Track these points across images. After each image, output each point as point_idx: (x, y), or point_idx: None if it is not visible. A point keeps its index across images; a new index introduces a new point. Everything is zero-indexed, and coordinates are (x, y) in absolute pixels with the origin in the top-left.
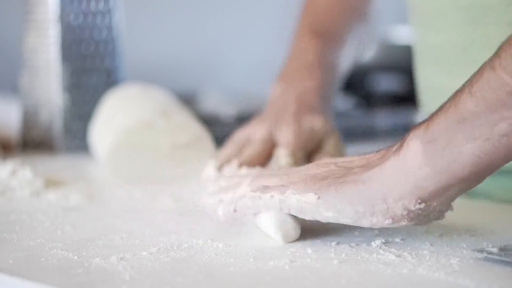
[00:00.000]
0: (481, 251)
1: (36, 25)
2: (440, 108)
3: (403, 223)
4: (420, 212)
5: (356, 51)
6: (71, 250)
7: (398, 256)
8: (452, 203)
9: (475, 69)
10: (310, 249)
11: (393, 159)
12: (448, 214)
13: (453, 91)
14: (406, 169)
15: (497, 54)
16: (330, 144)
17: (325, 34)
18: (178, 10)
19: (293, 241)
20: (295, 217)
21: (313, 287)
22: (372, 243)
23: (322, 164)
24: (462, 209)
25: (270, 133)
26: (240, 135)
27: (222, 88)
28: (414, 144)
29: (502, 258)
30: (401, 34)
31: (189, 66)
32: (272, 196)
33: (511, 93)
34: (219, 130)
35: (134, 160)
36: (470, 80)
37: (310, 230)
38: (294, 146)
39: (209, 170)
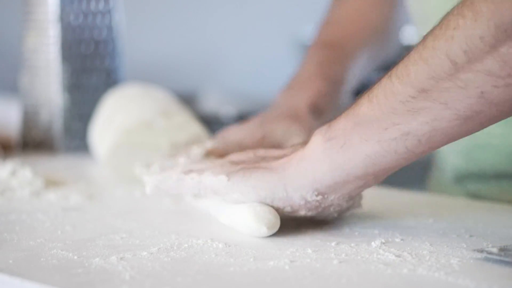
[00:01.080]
0: (481, 251)
1: (36, 25)
2: (344, 110)
3: (302, 212)
4: (317, 203)
5: (369, 66)
6: (71, 250)
7: (398, 256)
8: (453, 204)
9: None
10: (310, 249)
11: (299, 152)
12: (448, 214)
13: None
14: (307, 162)
15: (395, 63)
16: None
17: (334, 46)
18: (178, 10)
19: (292, 239)
20: (270, 206)
21: (313, 287)
22: (372, 243)
23: (244, 153)
24: (462, 209)
25: (245, 137)
26: (220, 135)
27: (222, 88)
28: (316, 140)
29: (502, 258)
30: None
31: (189, 66)
32: (192, 178)
33: (402, 102)
34: (219, 130)
35: (134, 160)
36: (372, 86)
37: (310, 230)
38: (233, 144)
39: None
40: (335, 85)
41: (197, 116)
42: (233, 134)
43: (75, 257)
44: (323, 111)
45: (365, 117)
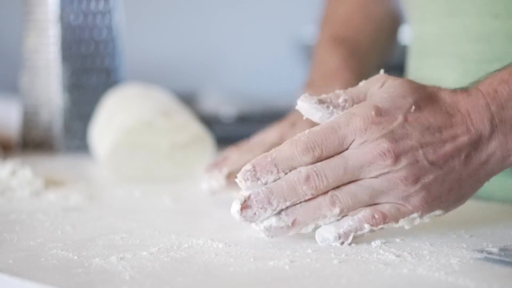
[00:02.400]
0: (481, 251)
1: (36, 25)
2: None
3: None
4: None
5: (382, 58)
6: (71, 250)
7: (398, 256)
8: None
9: (457, 61)
10: (310, 249)
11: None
12: (448, 214)
13: (437, 82)
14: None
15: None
16: None
17: (349, 42)
18: (178, 10)
19: (292, 239)
20: None
21: (313, 287)
22: (372, 243)
23: (411, 163)
24: (462, 209)
25: (281, 137)
26: (254, 139)
27: (222, 88)
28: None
29: (502, 258)
30: (401, 34)
31: (189, 66)
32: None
33: None
34: (219, 130)
35: (134, 160)
36: None
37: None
38: None
39: (214, 181)
40: (359, 80)
41: (197, 116)
42: (269, 136)
43: (75, 257)
44: None
45: None
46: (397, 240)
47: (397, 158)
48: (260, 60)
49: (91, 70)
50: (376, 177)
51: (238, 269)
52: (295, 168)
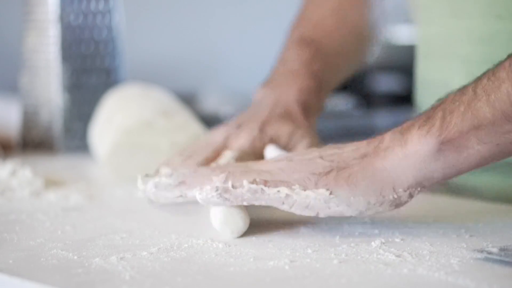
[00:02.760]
0: (481, 251)
1: (36, 25)
2: (452, 111)
3: (398, 207)
4: (409, 200)
5: (354, 63)
6: (71, 250)
7: (398, 256)
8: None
9: (460, 63)
10: (310, 249)
11: (401, 151)
12: (448, 214)
13: (443, 84)
14: (418, 162)
15: None
16: (300, 149)
17: (316, 44)
18: (178, 10)
19: (292, 239)
20: (243, 209)
21: (313, 287)
22: (372, 243)
23: (308, 151)
24: (462, 209)
25: (226, 138)
26: (200, 141)
27: (222, 88)
28: (429, 141)
29: (502, 258)
30: (402, 34)
31: (189, 66)
32: (278, 191)
33: None
34: None
35: (134, 160)
36: (484, 87)
37: (310, 230)
38: (244, 153)
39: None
40: (320, 83)
41: (197, 116)
42: (214, 138)
43: (75, 257)
44: (311, 109)
45: (486, 121)
46: (397, 240)
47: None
48: (260, 60)
49: (91, 70)
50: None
51: (238, 269)
52: None
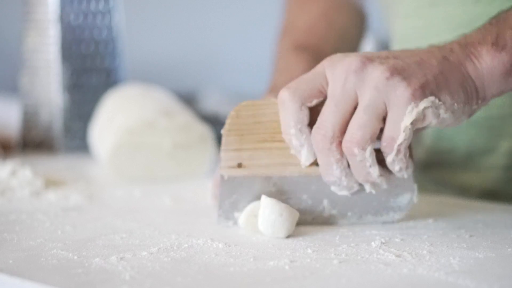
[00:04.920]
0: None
1: (36, 25)
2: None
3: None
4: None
5: None
6: (71, 250)
7: (398, 256)
8: (452, 204)
9: None
10: (310, 249)
11: (473, 66)
12: (447, 214)
13: None
14: (491, 78)
15: None
16: None
17: (311, 49)
18: (178, 10)
19: (292, 239)
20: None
21: (313, 287)
22: (372, 243)
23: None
24: (462, 209)
25: None
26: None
27: (222, 88)
28: (504, 59)
29: None
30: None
31: (189, 66)
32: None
33: None
34: (219, 130)
35: (136, 160)
36: None
37: (310, 230)
38: None
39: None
40: None
41: (197, 116)
42: None
43: (75, 257)
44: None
45: None
46: (397, 240)
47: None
48: (260, 60)
49: (91, 70)
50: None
51: (238, 269)
52: None
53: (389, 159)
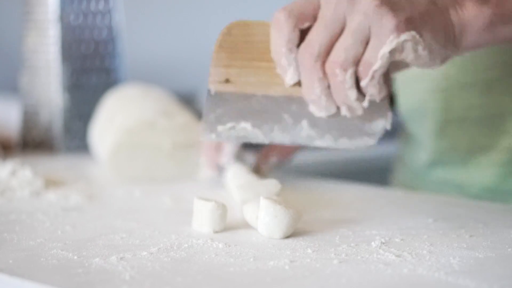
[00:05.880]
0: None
1: (36, 25)
2: None
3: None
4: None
5: None
6: (71, 250)
7: (398, 256)
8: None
9: (455, 86)
10: (310, 249)
11: (456, 15)
12: (448, 214)
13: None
14: (473, 29)
15: None
16: None
17: None
18: (178, 10)
19: (292, 239)
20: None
21: (313, 287)
22: (372, 243)
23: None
24: (462, 209)
25: None
26: None
27: None
28: (485, 13)
29: None
30: None
31: (189, 66)
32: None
33: None
34: None
35: (136, 160)
36: None
37: (310, 230)
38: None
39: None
40: None
41: (197, 116)
42: None
43: (75, 257)
44: None
45: None
46: (397, 240)
47: None
48: None
49: (91, 70)
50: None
51: (238, 269)
52: None
53: (363, 83)
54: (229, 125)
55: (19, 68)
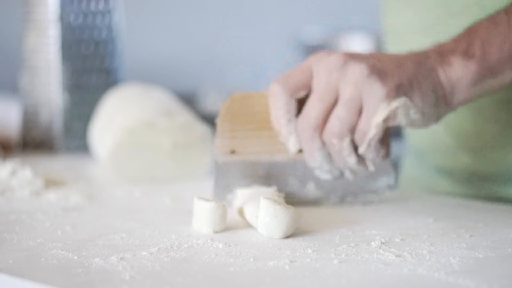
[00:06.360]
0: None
1: (36, 25)
2: (490, 41)
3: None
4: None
5: None
6: (71, 250)
7: (398, 256)
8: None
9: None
10: (310, 249)
11: (444, 74)
12: (447, 214)
13: None
14: (462, 86)
15: None
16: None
17: None
18: (179, 10)
19: (292, 239)
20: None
21: (313, 287)
22: (372, 243)
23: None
24: (462, 209)
25: None
26: None
27: (222, 88)
28: (471, 69)
29: None
30: None
31: (189, 66)
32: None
33: None
34: None
35: (136, 160)
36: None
37: (310, 230)
38: None
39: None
40: None
41: (197, 116)
42: None
43: (75, 257)
44: None
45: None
46: (397, 240)
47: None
48: (260, 60)
49: (91, 70)
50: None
51: (238, 269)
52: None
53: (360, 150)
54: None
55: (19, 68)
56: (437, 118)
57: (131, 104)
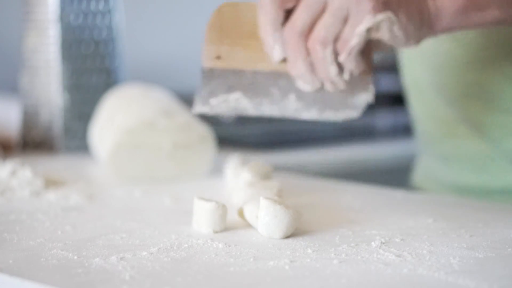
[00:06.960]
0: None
1: (36, 25)
2: None
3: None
4: None
5: None
6: (71, 250)
7: (398, 256)
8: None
9: (452, 63)
10: (310, 249)
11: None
12: (447, 214)
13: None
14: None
15: None
16: None
17: None
18: (179, 10)
19: (292, 239)
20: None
21: (313, 287)
22: (372, 243)
23: None
24: (462, 209)
25: None
26: None
27: None
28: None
29: None
30: None
31: (189, 66)
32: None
33: None
34: (219, 130)
35: (136, 160)
36: None
37: (310, 230)
38: None
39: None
40: None
41: (197, 116)
42: None
43: (75, 257)
44: None
45: None
46: (397, 240)
47: None
48: None
49: (91, 70)
50: None
51: (238, 269)
52: None
53: (340, 58)
54: (221, 97)
55: (19, 68)
56: (418, 40)
57: (131, 104)
